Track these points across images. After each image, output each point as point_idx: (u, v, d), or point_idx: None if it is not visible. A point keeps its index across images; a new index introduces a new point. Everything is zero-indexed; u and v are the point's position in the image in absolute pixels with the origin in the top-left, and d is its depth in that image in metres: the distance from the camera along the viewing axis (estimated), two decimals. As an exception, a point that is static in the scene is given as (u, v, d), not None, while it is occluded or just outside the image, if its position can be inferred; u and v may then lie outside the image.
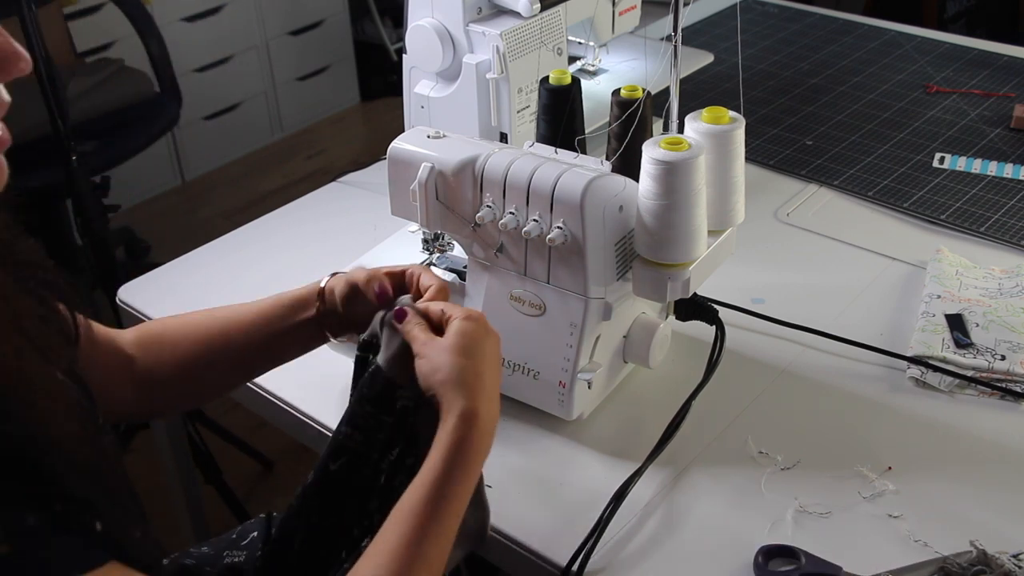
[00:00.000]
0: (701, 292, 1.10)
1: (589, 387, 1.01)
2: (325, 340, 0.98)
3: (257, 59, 3.43)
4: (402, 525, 0.77)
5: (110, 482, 0.69)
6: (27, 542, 0.57)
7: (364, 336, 0.90)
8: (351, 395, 0.89)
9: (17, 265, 0.70)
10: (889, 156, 1.51)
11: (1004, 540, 0.88)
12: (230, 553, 1.01)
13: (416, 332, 0.85)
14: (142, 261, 2.83)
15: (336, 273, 0.97)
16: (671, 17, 1.08)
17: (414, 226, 1.18)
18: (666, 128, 1.14)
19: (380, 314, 0.88)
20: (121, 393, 0.97)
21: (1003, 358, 1.08)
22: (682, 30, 1.08)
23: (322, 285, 0.96)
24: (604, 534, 0.92)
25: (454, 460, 0.79)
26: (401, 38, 1.35)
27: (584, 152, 1.07)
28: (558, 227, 0.96)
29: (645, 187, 0.95)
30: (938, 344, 1.10)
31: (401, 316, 0.86)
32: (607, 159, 1.04)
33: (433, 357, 0.82)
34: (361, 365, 0.91)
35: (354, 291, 0.93)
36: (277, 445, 2.24)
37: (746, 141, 1.03)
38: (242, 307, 0.99)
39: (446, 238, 1.14)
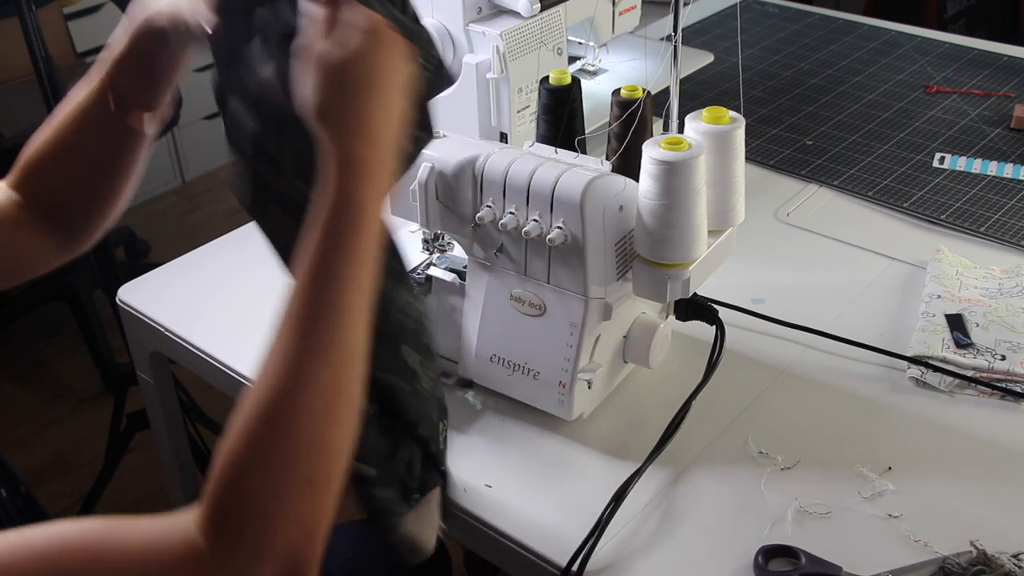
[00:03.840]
0: (701, 292, 1.10)
1: (589, 387, 1.01)
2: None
3: (257, 59, 3.43)
4: (287, 317, 0.65)
5: None
6: None
7: None
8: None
9: None
10: (889, 156, 1.51)
11: (1004, 540, 0.88)
12: None
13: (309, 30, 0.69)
14: (142, 261, 2.83)
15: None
16: (671, 17, 1.08)
17: (414, 226, 1.18)
18: (666, 128, 1.14)
19: None
20: (31, 243, 0.92)
21: (1003, 358, 1.08)
22: (682, 30, 1.08)
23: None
24: (604, 534, 0.92)
25: (336, 221, 0.66)
26: (401, 38, 1.35)
27: (584, 152, 1.07)
28: (558, 227, 0.96)
29: (645, 187, 0.95)
30: (938, 344, 1.10)
31: None
32: (607, 159, 1.04)
33: (305, 82, 0.68)
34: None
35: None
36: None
37: (746, 141, 1.03)
38: (85, 85, 0.91)
39: (446, 238, 1.14)
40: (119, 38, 0.87)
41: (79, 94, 0.90)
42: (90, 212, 0.95)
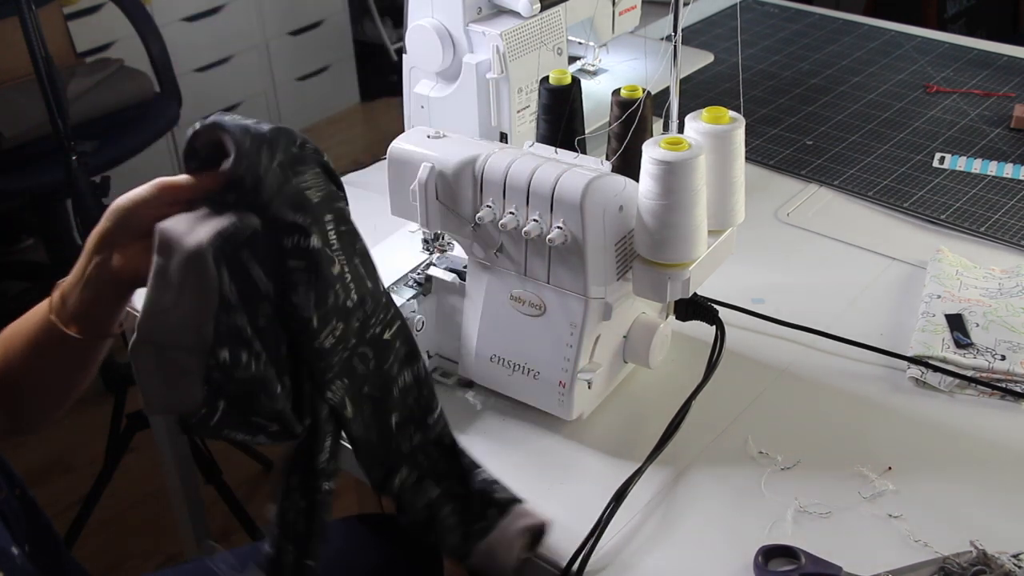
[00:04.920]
0: (701, 292, 1.10)
1: (589, 387, 1.01)
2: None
3: (257, 59, 3.43)
4: None
5: None
6: None
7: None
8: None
9: None
10: (889, 156, 1.51)
11: (1004, 540, 0.88)
12: None
13: None
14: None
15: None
16: (671, 17, 1.08)
17: (414, 226, 1.18)
18: (666, 128, 1.14)
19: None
20: None
21: (1003, 358, 1.08)
22: (682, 30, 1.08)
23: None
24: (604, 534, 0.92)
25: None
26: (401, 38, 1.35)
27: (584, 152, 1.07)
28: (558, 227, 0.96)
29: (645, 187, 0.95)
30: (938, 344, 1.10)
31: None
32: (607, 159, 1.04)
33: None
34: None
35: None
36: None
37: (746, 141, 1.03)
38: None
39: (446, 238, 1.14)
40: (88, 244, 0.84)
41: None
42: (35, 403, 0.97)
